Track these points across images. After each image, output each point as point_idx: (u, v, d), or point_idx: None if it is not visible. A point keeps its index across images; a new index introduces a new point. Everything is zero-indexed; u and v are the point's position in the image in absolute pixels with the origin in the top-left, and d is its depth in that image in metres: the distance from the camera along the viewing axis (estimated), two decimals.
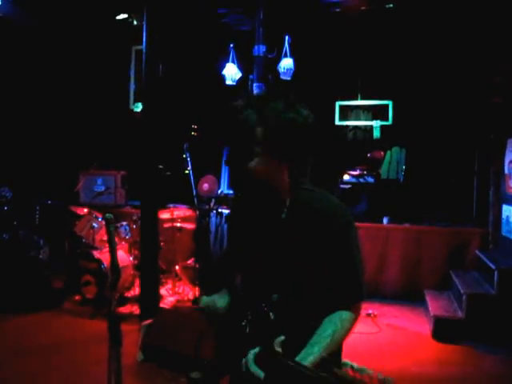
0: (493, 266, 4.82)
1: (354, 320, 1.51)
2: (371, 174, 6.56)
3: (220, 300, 1.62)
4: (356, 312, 1.52)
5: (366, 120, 7.58)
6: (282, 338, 1.31)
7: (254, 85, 6.12)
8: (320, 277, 1.47)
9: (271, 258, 1.52)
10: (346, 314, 1.48)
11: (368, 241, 5.99)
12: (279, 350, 1.30)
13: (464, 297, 4.75)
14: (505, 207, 5.56)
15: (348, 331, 1.48)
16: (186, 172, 5.57)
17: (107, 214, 1.82)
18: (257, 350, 1.32)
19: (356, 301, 1.54)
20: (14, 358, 4.03)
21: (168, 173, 5.67)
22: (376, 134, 7.47)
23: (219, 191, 6.90)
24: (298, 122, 1.54)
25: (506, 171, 5.51)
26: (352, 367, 1.05)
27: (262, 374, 1.27)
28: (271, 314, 1.42)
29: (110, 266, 1.96)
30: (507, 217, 5.44)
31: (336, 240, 1.49)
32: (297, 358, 1.32)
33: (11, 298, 5.15)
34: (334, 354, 1.43)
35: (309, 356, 1.34)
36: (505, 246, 5.49)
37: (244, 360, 1.35)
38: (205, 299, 1.66)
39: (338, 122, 7.62)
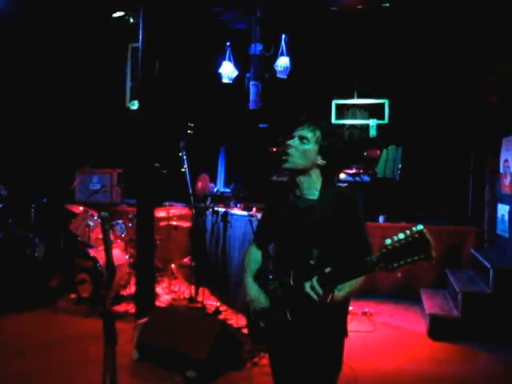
0: (488, 265, 4.83)
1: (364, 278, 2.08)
2: (367, 173, 6.57)
3: (262, 297, 2.18)
4: None
5: (362, 119, 7.59)
6: (329, 268, 1.92)
7: (251, 83, 6.13)
8: (344, 240, 2.10)
9: (308, 227, 2.11)
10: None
11: None
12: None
13: (459, 295, 4.77)
14: (500, 206, 5.58)
15: (361, 283, 2.05)
16: (183, 170, 5.56)
17: (102, 213, 1.82)
18: (313, 279, 1.91)
19: (368, 255, 2.02)
20: (9, 357, 4.01)
21: (164, 171, 5.66)
22: (372, 132, 7.48)
23: (215, 189, 6.90)
24: (336, 145, 2.19)
25: (501, 170, 5.53)
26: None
27: (321, 291, 1.89)
28: (312, 261, 1.99)
29: (105, 264, 1.95)
30: (502, 215, 5.46)
31: (354, 214, 2.13)
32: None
33: (6, 296, 5.13)
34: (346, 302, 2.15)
35: (340, 294, 2.01)
36: (500, 244, 5.51)
37: (308, 285, 1.92)
38: (253, 294, 2.21)
39: (334, 121, 7.63)
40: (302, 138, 2.17)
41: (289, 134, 2.23)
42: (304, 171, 2.17)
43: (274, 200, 2.36)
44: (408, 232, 1.69)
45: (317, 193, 2.18)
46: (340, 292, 2.01)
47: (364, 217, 2.18)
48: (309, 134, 2.16)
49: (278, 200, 2.31)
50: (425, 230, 1.66)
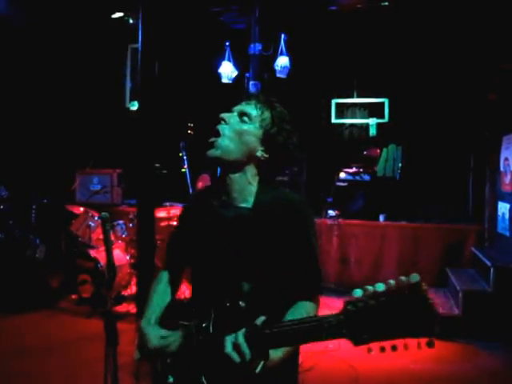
0: (489, 263, 4.83)
1: (316, 310, 1.54)
2: (367, 172, 6.57)
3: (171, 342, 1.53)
4: (317, 303, 1.57)
5: (362, 118, 7.59)
6: (263, 317, 1.28)
7: (250, 83, 6.12)
8: (285, 266, 1.50)
9: (236, 249, 1.52)
10: (309, 305, 1.51)
11: (364, 238, 6.01)
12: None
13: (460, 294, 4.77)
14: (500, 204, 5.58)
15: None
16: (183, 170, 5.56)
17: (103, 213, 1.82)
18: (239, 333, 1.27)
19: (318, 292, 1.58)
20: (11, 358, 4.02)
21: (164, 171, 5.66)
22: (372, 131, 7.49)
23: None
24: (291, 133, 1.63)
25: (502, 168, 5.52)
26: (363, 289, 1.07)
27: (248, 355, 1.25)
28: (241, 303, 1.38)
29: (106, 264, 1.95)
30: (503, 214, 5.45)
31: (303, 229, 1.55)
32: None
33: (7, 297, 5.14)
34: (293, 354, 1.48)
35: (278, 355, 1.35)
36: (501, 243, 5.50)
37: (229, 341, 1.28)
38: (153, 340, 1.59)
39: (334, 120, 7.63)
40: (242, 115, 1.59)
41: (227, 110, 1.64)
42: (236, 165, 1.56)
43: (189, 207, 1.75)
44: (392, 283, 1.04)
45: (251, 199, 1.56)
46: (277, 352, 1.33)
47: (315, 233, 1.59)
48: (253, 112, 1.58)
49: (195, 207, 1.70)
50: (424, 286, 1.04)
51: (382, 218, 6.20)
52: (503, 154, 5.51)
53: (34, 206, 5.96)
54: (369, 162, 6.88)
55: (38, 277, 5.47)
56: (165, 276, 1.76)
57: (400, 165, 6.88)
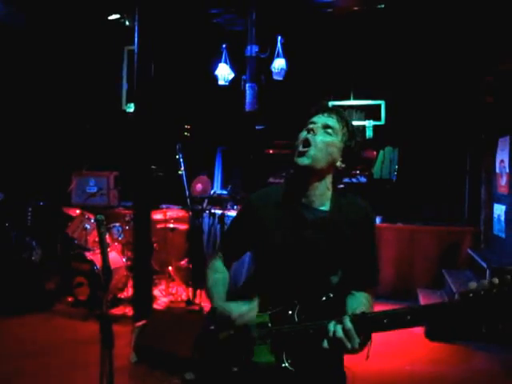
0: (485, 265, 4.84)
1: (373, 301, 1.75)
2: (364, 174, 6.58)
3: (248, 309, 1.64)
4: (374, 295, 1.78)
5: (358, 120, 7.60)
6: (362, 308, 1.52)
7: (247, 85, 6.14)
8: (356, 262, 1.71)
9: (320, 247, 1.68)
10: (369, 297, 1.74)
11: None
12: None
13: (456, 295, 4.78)
14: (496, 206, 5.60)
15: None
16: (179, 172, 5.56)
17: (98, 215, 1.82)
18: (346, 318, 1.43)
19: (376, 285, 1.80)
20: (7, 360, 4.00)
21: (160, 173, 5.65)
22: (369, 133, 7.50)
23: (212, 192, 6.90)
24: (358, 148, 1.80)
25: (498, 170, 5.54)
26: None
27: (358, 340, 1.41)
28: (330, 294, 1.57)
29: (101, 267, 1.95)
30: (498, 215, 5.47)
31: (370, 231, 1.78)
32: None
33: (3, 300, 5.11)
34: None
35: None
36: (496, 244, 5.52)
37: (338, 327, 1.43)
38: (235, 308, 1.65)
39: None
40: (327, 127, 1.70)
41: (303, 123, 1.78)
42: (321, 172, 1.70)
43: (257, 205, 1.80)
44: (496, 280, 1.26)
45: (328, 203, 1.74)
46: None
47: (376, 235, 1.84)
48: (336, 125, 1.71)
49: (265, 206, 1.78)
50: None
51: (378, 220, 6.20)
52: (499, 156, 5.53)
53: (30, 209, 5.96)
54: (365, 164, 6.89)
55: (34, 279, 5.45)
56: (220, 265, 1.88)
57: (396, 167, 6.90)
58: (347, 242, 1.69)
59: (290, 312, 1.56)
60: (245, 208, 1.88)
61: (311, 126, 1.70)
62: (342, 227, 1.69)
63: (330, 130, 1.69)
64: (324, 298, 1.57)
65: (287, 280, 1.68)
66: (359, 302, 1.66)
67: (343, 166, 1.73)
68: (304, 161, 1.66)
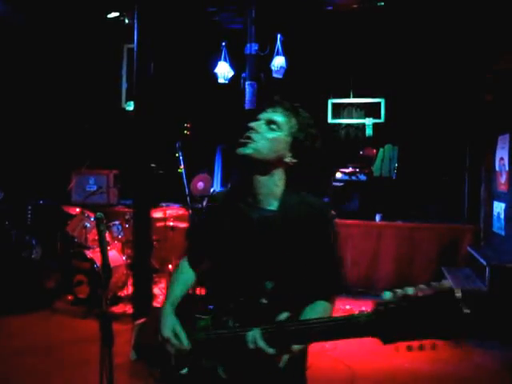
0: (484, 263, 4.85)
1: (331, 311, 1.60)
2: (364, 172, 6.58)
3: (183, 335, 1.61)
4: (333, 303, 1.63)
5: (358, 118, 7.60)
6: (286, 314, 1.34)
7: (246, 83, 6.12)
8: (307, 268, 1.57)
9: (260, 249, 1.57)
10: (326, 305, 1.58)
11: (360, 238, 6.01)
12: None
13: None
14: (496, 204, 5.60)
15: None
16: (179, 170, 5.56)
17: (97, 213, 1.82)
18: (257, 330, 1.34)
19: (336, 293, 1.64)
20: (6, 359, 4.01)
21: (160, 171, 5.66)
22: (368, 131, 7.50)
23: (212, 190, 6.90)
24: (317, 137, 1.69)
25: (497, 168, 5.54)
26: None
27: (272, 351, 1.31)
28: (264, 300, 1.47)
29: (101, 265, 1.95)
30: (498, 213, 5.47)
31: (326, 233, 1.61)
32: None
33: (3, 298, 5.12)
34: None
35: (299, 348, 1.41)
36: (496, 242, 5.52)
37: (248, 340, 1.35)
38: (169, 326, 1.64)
39: (330, 120, 7.64)
40: (270, 123, 1.62)
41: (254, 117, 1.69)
42: (266, 168, 1.60)
43: (216, 206, 1.75)
44: (423, 287, 1.14)
45: (276, 202, 1.62)
46: (298, 346, 1.39)
47: (337, 237, 1.65)
48: (281, 119, 1.62)
49: (221, 206, 1.73)
50: (457, 293, 1.07)
51: (378, 217, 6.21)
52: (498, 154, 5.53)
53: (29, 207, 5.96)
54: (365, 162, 6.89)
55: (33, 277, 5.45)
56: (186, 265, 1.83)
57: (396, 165, 6.90)
58: (293, 245, 1.56)
59: (226, 317, 1.51)
60: (205, 209, 1.86)
61: (253, 124, 1.61)
62: (290, 228, 1.57)
63: (273, 126, 1.61)
64: (258, 304, 1.48)
65: (227, 282, 1.63)
66: (315, 313, 1.50)
67: (294, 161, 1.62)
68: (244, 150, 1.56)
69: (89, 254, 5.29)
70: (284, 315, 1.35)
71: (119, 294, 5.53)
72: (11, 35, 7.00)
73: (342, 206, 6.33)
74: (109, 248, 5.20)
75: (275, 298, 1.51)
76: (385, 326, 1.12)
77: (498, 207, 5.48)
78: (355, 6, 6.60)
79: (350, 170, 6.61)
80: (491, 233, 5.71)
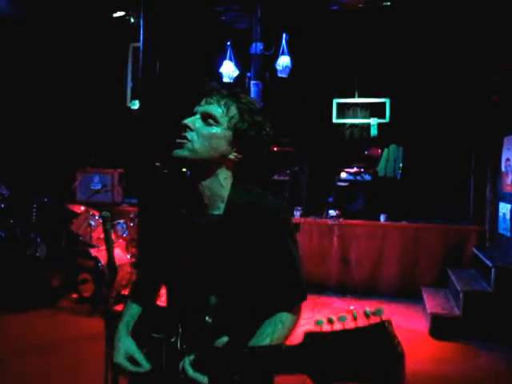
0: (490, 264, 4.83)
1: (295, 321, 1.43)
2: (368, 172, 6.56)
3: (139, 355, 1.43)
4: (297, 314, 1.46)
5: (363, 118, 7.58)
6: (226, 338, 1.20)
7: (252, 83, 6.12)
8: (260, 277, 1.39)
9: (205, 260, 1.41)
10: (286, 316, 1.40)
11: (365, 238, 6.00)
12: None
13: (461, 294, 4.76)
14: (501, 205, 5.57)
15: (289, 333, 1.39)
16: (184, 170, 5.55)
17: (104, 212, 1.82)
18: (192, 356, 1.22)
19: (297, 302, 1.46)
20: (12, 357, 4.01)
21: (165, 170, 5.65)
22: (373, 131, 7.47)
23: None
24: (263, 124, 1.47)
25: (503, 169, 5.52)
26: (329, 320, 0.93)
27: (205, 379, 1.19)
28: (207, 317, 1.30)
29: (106, 264, 1.95)
30: (504, 214, 5.45)
31: (277, 237, 1.41)
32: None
33: (8, 296, 5.14)
34: None
35: None
36: (502, 243, 5.50)
37: (181, 369, 1.23)
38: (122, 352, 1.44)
39: (335, 120, 7.62)
40: (206, 116, 1.42)
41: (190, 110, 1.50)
42: (207, 168, 1.44)
43: (163, 215, 1.56)
44: (355, 315, 0.96)
45: (223, 205, 1.44)
46: None
47: (294, 239, 1.44)
48: (218, 111, 1.41)
49: (168, 215, 1.53)
50: (390, 326, 0.94)
51: (382, 218, 6.19)
52: (505, 155, 5.50)
53: (34, 205, 5.96)
54: (370, 162, 6.87)
55: (38, 276, 5.46)
56: (142, 284, 1.67)
57: (401, 165, 6.87)
58: (239, 253, 1.37)
59: (174, 338, 1.34)
60: (155, 222, 1.67)
61: (187, 121, 1.42)
62: (233, 235, 1.38)
63: (210, 120, 1.41)
64: (203, 323, 1.32)
65: (176, 299, 1.48)
66: (272, 325, 1.35)
67: (240, 156, 1.42)
68: (180, 152, 1.39)
69: (93, 252, 5.30)
70: (223, 339, 1.20)
71: (123, 292, 5.54)
72: (18, 33, 7.02)
73: (346, 205, 6.32)
74: (114, 246, 5.20)
75: (220, 315, 1.34)
76: (314, 362, 0.95)
77: (504, 208, 5.46)
78: (361, 5, 6.59)
79: (355, 169, 6.60)
80: (497, 234, 5.69)
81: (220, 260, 1.38)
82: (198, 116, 1.43)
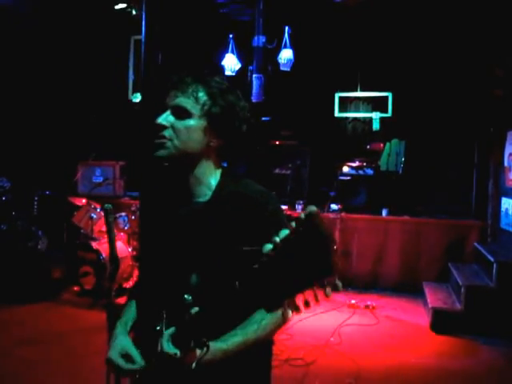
0: (492, 259, 4.82)
1: (278, 320, 1.37)
2: (370, 166, 6.55)
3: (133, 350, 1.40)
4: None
5: (365, 112, 7.55)
6: (196, 309, 1.16)
7: (254, 76, 6.09)
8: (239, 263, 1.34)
9: (188, 241, 1.40)
10: (268, 316, 1.33)
11: (367, 233, 6.00)
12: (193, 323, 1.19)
13: (462, 289, 4.76)
14: (504, 200, 5.56)
15: (270, 334, 1.38)
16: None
17: (106, 205, 1.80)
18: (170, 330, 1.22)
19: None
20: (13, 348, 4.03)
21: (166, 164, 5.65)
22: (375, 125, 7.45)
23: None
24: (236, 101, 1.42)
25: (506, 164, 5.50)
26: None
27: (178, 352, 1.19)
28: (187, 296, 1.22)
29: (108, 256, 1.94)
30: (506, 209, 5.44)
31: (261, 224, 1.36)
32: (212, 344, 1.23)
33: (10, 288, 5.15)
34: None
35: (221, 347, 1.28)
36: (504, 238, 5.49)
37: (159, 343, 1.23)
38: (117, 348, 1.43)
39: (337, 114, 7.60)
40: (177, 110, 1.41)
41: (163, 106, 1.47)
42: (191, 161, 1.43)
43: (162, 208, 1.56)
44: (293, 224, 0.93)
45: (210, 192, 1.44)
46: (219, 344, 1.27)
47: (281, 227, 1.33)
48: (187, 102, 1.38)
49: (164, 207, 1.54)
50: (318, 219, 0.93)
51: (384, 212, 6.18)
52: (508, 150, 5.48)
53: (36, 198, 5.96)
54: (372, 156, 6.86)
55: (40, 268, 5.48)
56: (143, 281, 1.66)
57: (403, 159, 6.85)
58: (222, 238, 1.36)
59: (159, 326, 1.30)
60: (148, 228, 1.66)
61: (160, 119, 1.42)
62: (216, 219, 1.38)
63: (182, 113, 1.39)
64: (183, 302, 1.24)
65: (162, 284, 1.44)
66: (261, 314, 1.32)
67: (221, 141, 1.41)
68: (161, 153, 1.40)
69: (95, 245, 5.30)
70: (194, 309, 1.16)
71: (125, 285, 5.55)
72: (19, 26, 6.99)
73: (348, 200, 6.31)
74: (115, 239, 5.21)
75: (200, 293, 1.26)
76: (262, 285, 0.95)
77: (507, 203, 5.45)
78: None
79: (357, 164, 6.58)
80: (499, 229, 5.68)
81: (200, 241, 1.38)
82: (168, 112, 1.42)
